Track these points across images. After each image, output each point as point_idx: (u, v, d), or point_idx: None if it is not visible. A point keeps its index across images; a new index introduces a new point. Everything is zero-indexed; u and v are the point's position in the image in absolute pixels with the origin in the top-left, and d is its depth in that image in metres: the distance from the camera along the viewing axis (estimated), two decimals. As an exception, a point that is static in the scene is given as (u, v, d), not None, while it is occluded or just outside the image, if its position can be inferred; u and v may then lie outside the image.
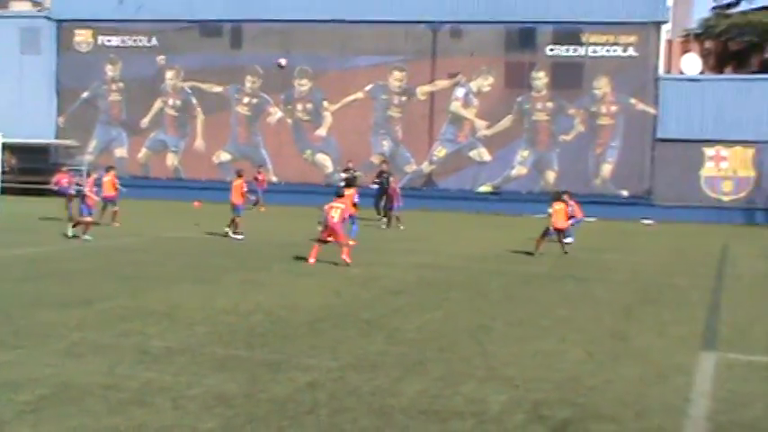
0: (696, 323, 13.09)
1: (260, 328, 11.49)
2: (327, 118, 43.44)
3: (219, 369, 9.15)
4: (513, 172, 41.58)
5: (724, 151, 39.48)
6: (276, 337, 10.95)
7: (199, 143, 44.69)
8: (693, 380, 9.47)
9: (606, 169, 40.66)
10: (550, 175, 41.06)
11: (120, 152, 45.20)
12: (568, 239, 22.76)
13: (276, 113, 43.87)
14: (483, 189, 41.76)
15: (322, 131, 43.49)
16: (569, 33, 40.69)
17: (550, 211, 22.38)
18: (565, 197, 23.31)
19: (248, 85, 44.10)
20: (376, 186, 32.32)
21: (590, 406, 8.22)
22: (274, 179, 42.09)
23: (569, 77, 40.84)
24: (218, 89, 44.35)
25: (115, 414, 7.50)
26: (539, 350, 10.64)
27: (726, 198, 39.62)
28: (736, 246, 27.38)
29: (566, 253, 21.86)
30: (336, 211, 19.14)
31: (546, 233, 22.16)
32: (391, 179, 31.88)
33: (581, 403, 8.31)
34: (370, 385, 8.66)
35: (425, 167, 42.41)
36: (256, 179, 37.87)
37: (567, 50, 40.87)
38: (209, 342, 10.51)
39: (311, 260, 18.78)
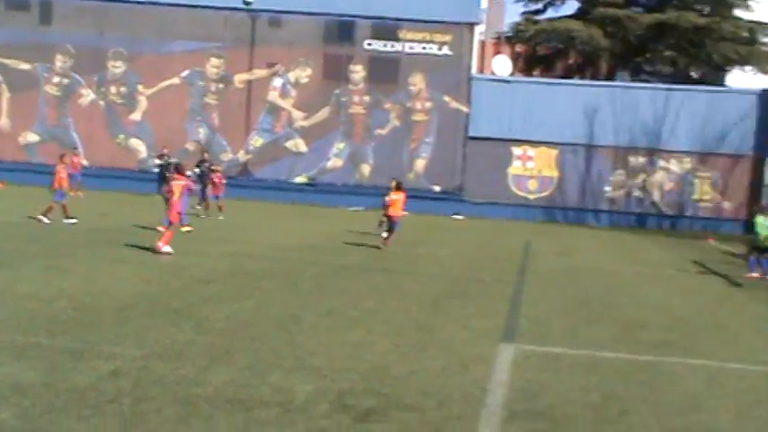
0: (498, 316, 13.59)
1: (63, 315, 11.15)
2: (142, 102, 42.43)
3: (18, 357, 8.83)
4: (329, 164, 41.86)
5: (531, 151, 41.09)
6: (80, 324, 10.66)
7: (4, 122, 42.73)
8: (493, 370, 9.84)
9: (420, 164, 41.50)
10: (365, 169, 41.56)
11: None
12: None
13: (88, 95, 42.49)
14: (299, 180, 41.86)
15: (136, 116, 42.45)
16: (387, 29, 41.28)
17: (388, 199, 22.60)
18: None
19: (59, 64, 42.49)
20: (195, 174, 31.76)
21: (394, 396, 8.42)
22: (85, 163, 40.69)
23: (386, 72, 41.44)
24: (25, 66, 42.49)
25: None
26: (346, 341, 10.80)
27: (531, 196, 41.26)
28: (538, 242, 28.56)
29: (379, 248, 22.06)
30: (178, 187, 19.03)
31: (390, 225, 22.37)
32: (215, 167, 31.42)
33: (385, 393, 8.50)
34: (176, 374, 8.57)
35: (241, 156, 42.12)
36: (72, 161, 36.54)
37: (385, 46, 41.45)
38: (7, 329, 10.11)
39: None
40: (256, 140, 42.13)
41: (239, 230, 25.41)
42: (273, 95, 42.06)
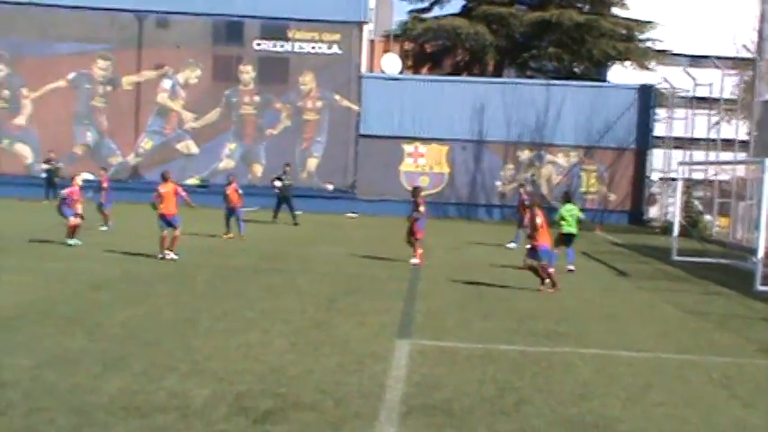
0: (393, 312, 13.71)
1: (-52, 327, 10.83)
2: (27, 106, 41.25)
3: None
4: (221, 165, 41.42)
5: (422, 148, 41.47)
6: (-34, 336, 10.37)
7: None
8: (390, 366, 9.94)
9: (312, 163, 41.47)
10: (258, 169, 41.33)
11: None
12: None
13: (-30, 100, 41.15)
14: (191, 182, 41.26)
15: (21, 120, 41.26)
16: (276, 29, 41.09)
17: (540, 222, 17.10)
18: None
19: (-62, 68, 41.05)
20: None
21: (291, 396, 8.44)
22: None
23: (276, 72, 41.26)
24: None
25: None
26: (243, 342, 10.76)
27: (424, 193, 41.58)
28: (432, 238, 28.74)
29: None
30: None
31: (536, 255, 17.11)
32: (102, 173, 30.27)
33: (282, 393, 8.51)
34: (69, 383, 8.41)
35: (132, 159, 41.35)
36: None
37: (274, 45, 41.28)
38: None
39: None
40: (146, 143, 41.41)
41: (128, 234, 24.96)
42: (163, 97, 41.42)
